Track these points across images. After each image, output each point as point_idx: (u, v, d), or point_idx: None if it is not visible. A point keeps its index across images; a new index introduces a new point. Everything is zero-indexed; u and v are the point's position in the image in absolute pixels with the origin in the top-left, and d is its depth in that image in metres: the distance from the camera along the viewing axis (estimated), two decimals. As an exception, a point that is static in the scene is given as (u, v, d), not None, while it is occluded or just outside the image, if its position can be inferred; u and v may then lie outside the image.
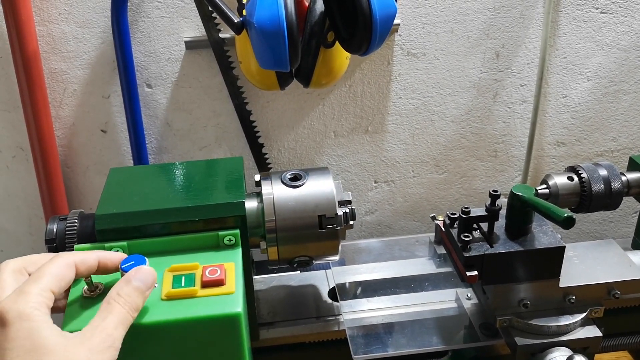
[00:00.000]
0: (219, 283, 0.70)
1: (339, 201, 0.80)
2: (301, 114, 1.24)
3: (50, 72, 1.14)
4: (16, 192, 1.25)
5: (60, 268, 0.62)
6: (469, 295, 0.85)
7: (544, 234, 0.75)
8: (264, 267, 0.95)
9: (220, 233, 0.75)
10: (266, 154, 1.27)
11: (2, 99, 1.15)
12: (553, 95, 1.29)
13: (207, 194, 0.77)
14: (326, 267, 0.97)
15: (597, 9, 1.21)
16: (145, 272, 0.64)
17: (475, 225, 0.76)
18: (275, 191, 0.79)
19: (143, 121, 1.19)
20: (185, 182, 0.81)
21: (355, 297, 0.89)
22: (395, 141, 1.30)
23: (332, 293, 0.91)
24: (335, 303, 0.89)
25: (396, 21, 1.17)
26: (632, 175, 0.87)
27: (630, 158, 0.89)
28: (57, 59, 1.13)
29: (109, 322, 0.59)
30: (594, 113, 1.30)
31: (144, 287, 0.63)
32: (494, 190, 0.74)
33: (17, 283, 0.61)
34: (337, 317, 0.87)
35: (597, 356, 1.07)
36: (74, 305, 0.68)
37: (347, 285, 0.91)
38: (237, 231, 0.75)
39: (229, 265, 0.72)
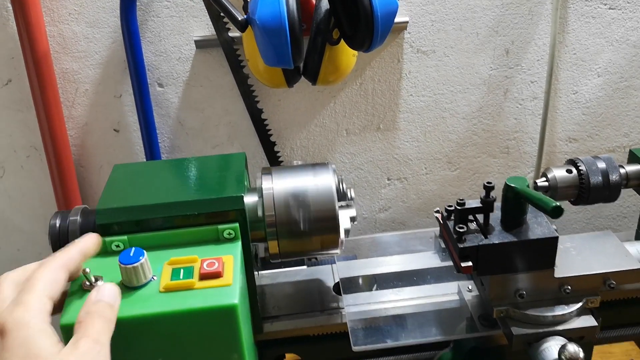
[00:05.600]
0: (217, 275, 0.70)
1: (339, 196, 0.81)
2: (313, 112, 1.25)
3: (61, 72, 1.16)
4: (31, 191, 1.27)
5: (51, 272, 0.62)
6: (470, 288, 0.85)
7: (539, 225, 0.75)
8: (271, 263, 0.96)
9: (220, 227, 0.75)
10: (278, 152, 1.27)
11: (15, 99, 1.17)
12: (564, 92, 1.28)
13: (207, 189, 0.78)
14: (332, 262, 0.97)
15: (605, 4, 1.19)
16: (105, 288, 0.64)
17: (472, 217, 0.76)
18: (275, 186, 0.80)
19: (155, 120, 1.21)
20: (187, 177, 0.82)
21: (358, 290, 0.89)
22: (407, 138, 1.30)
23: (337, 287, 0.92)
24: (339, 297, 0.90)
25: (405, 19, 1.18)
26: (631, 168, 0.86)
27: (630, 151, 0.89)
28: (69, 59, 1.15)
29: (92, 332, 0.59)
30: (605, 109, 1.29)
31: (109, 299, 0.63)
32: (487, 182, 0.74)
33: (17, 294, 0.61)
34: (341, 311, 0.87)
35: (606, 348, 1.07)
36: (73, 298, 0.69)
37: (351, 279, 0.91)
38: (237, 225, 0.75)
39: (228, 258, 0.72)
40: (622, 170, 0.86)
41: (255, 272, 0.86)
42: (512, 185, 0.74)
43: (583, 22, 1.22)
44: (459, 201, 0.75)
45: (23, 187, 1.27)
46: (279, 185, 0.80)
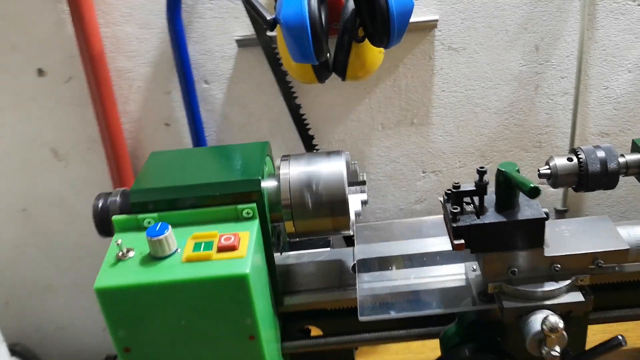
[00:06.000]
0: (232, 248, 0.79)
1: (351, 182, 0.88)
2: (349, 108, 1.32)
3: (116, 70, 1.26)
4: (91, 180, 1.38)
5: None
6: (475, 268, 0.91)
7: (529, 207, 0.81)
8: (298, 245, 1.05)
9: (239, 207, 0.84)
10: (316, 145, 1.35)
11: (75, 96, 1.29)
12: (594, 87, 1.31)
13: (229, 172, 0.87)
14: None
15: (634, 1, 1.22)
16: None
17: (469, 201, 0.82)
18: (291, 171, 0.87)
19: (202, 115, 1.30)
20: (213, 163, 0.91)
21: (373, 270, 0.95)
22: (440, 133, 1.35)
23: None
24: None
25: (435, 17, 1.23)
26: (631, 157, 0.91)
27: (633, 141, 0.93)
28: (122, 58, 1.26)
29: None
30: (636, 104, 1.31)
31: None
32: (480, 167, 0.80)
33: None
34: (356, 287, 0.94)
35: (614, 329, 1.10)
36: (108, 265, 0.79)
37: (368, 260, 0.98)
38: (254, 205, 0.84)
39: (244, 234, 0.81)
40: (622, 160, 0.91)
41: (277, 253, 0.94)
42: (502, 169, 0.79)
43: (612, 18, 1.24)
44: (454, 184, 0.81)
45: (84, 176, 1.39)
46: (294, 170, 0.88)
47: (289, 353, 0.97)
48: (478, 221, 0.79)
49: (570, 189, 1.36)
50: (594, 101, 1.32)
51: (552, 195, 1.41)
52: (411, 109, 1.32)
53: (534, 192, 0.73)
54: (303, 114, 1.31)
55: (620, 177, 0.92)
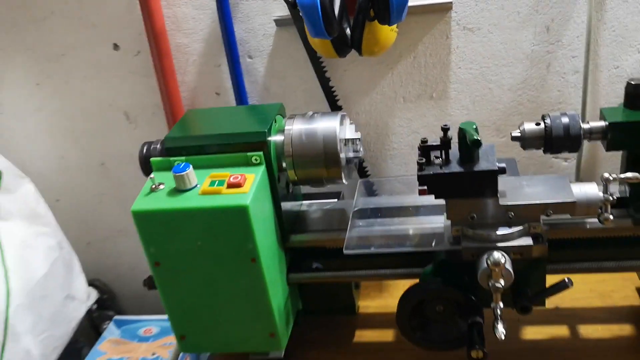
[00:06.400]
0: (238, 185, 0.98)
1: (346, 139, 1.06)
2: (374, 82, 1.48)
3: (175, 45, 1.48)
4: (155, 140, 1.61)
5: None
6: (451, 217, 1.06)
7: (486, 161, 0.95)
8: (311, 196, 1.23)
9: (249, 154, 1.03)
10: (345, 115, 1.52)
11: (143, 67, 1.52)
12: (605, 67, 1.41)
13: (243, 126, 1.06)
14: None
15: (642, -16, 1.32)
16: None
17: (438, 155, 0.98)
18: (294, 127, 1.06)
19: (246, 86, 1.50)
20: (234, 118, 1.11)
21: (366, 217, 1.12)
22: (457, 107, 1.49)
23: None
24: (354, 221, 1.14)
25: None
26: (595, 124, 1.02)
27: (600, 109, 1.04)
28: (180, 35, 1.47)
29: None
30: (649, 83, 1.41)
31: None
32: (444, 125, 0.95)
33: None
34: (351, 230, 1.11)
35: (607, 293, 1.23)
36: (143, 194, 1.01)
37: (364, 209, 1.15)
38: (261, 153, 1.03)
39: (250, 176, 1.00)
40: (586, 126, 1.03)
41: (290, 202, 1.12)
42: (462, 127, 0.94)
43: (621, 1, 1.34)
44: (422, 139, 0.97)
45: (150, 137, 1.58)
46: (297, 127, 1.06)
47: (296, 283, 1.15)
48: (439, 171, 0.94)
49: (582, 163, 1.52)
50: (604, 80, 1.42)
51: (566, 169, 1.53)
52: (430, 84, 1.47)
53: (475, 144, 0.88)
54: (332, 87, 1.48)
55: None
